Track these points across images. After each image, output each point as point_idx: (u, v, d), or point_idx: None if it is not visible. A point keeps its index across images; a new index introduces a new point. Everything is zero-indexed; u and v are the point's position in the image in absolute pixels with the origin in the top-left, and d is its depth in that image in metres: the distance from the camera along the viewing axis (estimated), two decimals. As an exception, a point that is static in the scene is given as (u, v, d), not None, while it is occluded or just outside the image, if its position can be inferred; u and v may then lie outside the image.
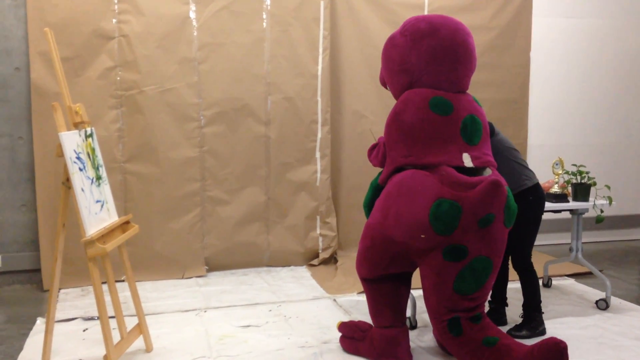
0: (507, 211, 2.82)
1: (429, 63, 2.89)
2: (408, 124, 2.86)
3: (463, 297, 2.81)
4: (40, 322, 3.59)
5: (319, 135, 4.89)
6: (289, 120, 4.81)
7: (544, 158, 5.34)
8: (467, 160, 2.85)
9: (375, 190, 3.11)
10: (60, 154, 2.76)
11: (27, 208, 4.39)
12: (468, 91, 3.09)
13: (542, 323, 3.41)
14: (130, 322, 3.28)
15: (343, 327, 3.27)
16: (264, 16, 4.69)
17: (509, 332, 3.40)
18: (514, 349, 2.72)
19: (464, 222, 2.71)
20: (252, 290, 4.26)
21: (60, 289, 4.15)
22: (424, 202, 2.73)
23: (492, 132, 3.32)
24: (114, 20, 4.37)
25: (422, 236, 2.75)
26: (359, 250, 3.09)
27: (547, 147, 5.61)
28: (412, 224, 2.75)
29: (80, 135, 2.92)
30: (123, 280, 4.10)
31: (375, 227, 2.93)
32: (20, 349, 3.24)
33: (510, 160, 3.37)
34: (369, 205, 3.14)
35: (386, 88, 3.23)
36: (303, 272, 4.76)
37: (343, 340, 3.24)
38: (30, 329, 3.53)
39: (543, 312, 3.46)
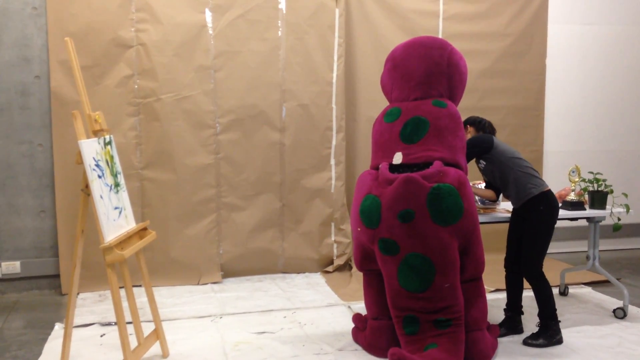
0: (434, 209, 2.91)
1: (392, 82, 3.34)
2: (373, 134, 3.34)
3: (412, 294, 2.97)
4: (58, 328, 3.64)
5: (334, 142, 4.90)
6: (304, 127, 4.83)
7: (561, 165, 5.31)
8: (397, 158, 3.12)
9: None
10: (79, 161, 2.80)
11: (47, 214, 4.46)
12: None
13: (558, 332, 3.38)
14: (147, 328, 3.31)
15: (355, 317, 3.48)
16: (280, 24, 4.73)
17: (525, 340, 3.38)
18: None
19: (384, 215, 2.97)
20: (267, 297, 4.27)
21: (78, 293, 4.20)
22: (360, 198, 3.11)
23: (490, 146, 3.37)
24: (132, 29, 4.43)
25: (358, 229, 3.12)
26: None
27: (564, 154, 5.58)
28: (353, 218, 3.18)
29: (99, 143, 2.97)
30: (140, 285, 4.13)
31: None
32: (39, 354, 3.28)
33: (514, 170, 3.37)
34: None
35: None
36: (318, 278, 4.77)
37: (353, 329, 3.47)
38: (49, 334, 3.57)
39: (560, 321, 3.43)
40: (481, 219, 3.61)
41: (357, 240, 3.21)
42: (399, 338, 3.06)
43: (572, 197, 3.90)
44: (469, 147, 3.33)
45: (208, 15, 4.58)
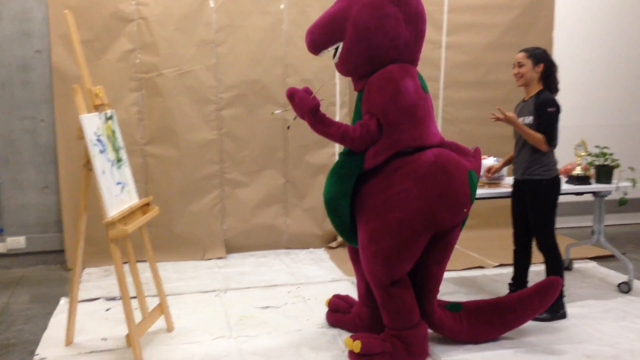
0: None
1: (417, 40, 2.81)
2: (411, 104, 2.70)
3: None
4: (64, 302, 3.66)
5: (337, 117, 4.86)
6: (308, 102, 4.78)
7: (567, 139, 5.22)
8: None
9: (353, 178, 2.83)
10: (81, 136, 2.78)
11: (50, 190, 4.46)
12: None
13: (562, 306, 3.37)
14: (152, 303, 3.33)
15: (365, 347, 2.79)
16: (282, -3, 4.66)
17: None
18: (512, 297, 3.05)
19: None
20: (271, 272, 4.28)
21: (83, 268, 4.22)
22: (462, 177, 2.77)
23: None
24: (133, 3, 4.37)
25: (465, 210, 2.80)
26: (387, 254, 2.72)
27: (570, 128, 5.49)
28: (459, 201, 2.76)
29: (100, 118, 2.94)
30: (144, 261, 4.15)
31: (415, 218, 2.68)
32: (45, 327, 3.31)
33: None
34: (347, 196, 2.86)
35: (318, 53, 2.96)
36: (321, 254, 4.77)
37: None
38: (55, 308, 3.60)
39: (564, 296, 3.42)
40: (486, 193, 3.60)
41: (427, 234, 2.74)
42: (445, 317, 2.98)
43: (578, 171, 3.87)
44: (556, 122, 3.29)
45: (209, -12, 4.51)
